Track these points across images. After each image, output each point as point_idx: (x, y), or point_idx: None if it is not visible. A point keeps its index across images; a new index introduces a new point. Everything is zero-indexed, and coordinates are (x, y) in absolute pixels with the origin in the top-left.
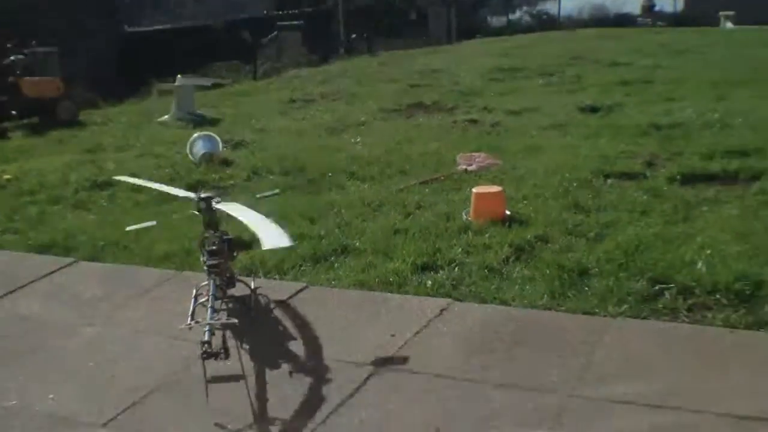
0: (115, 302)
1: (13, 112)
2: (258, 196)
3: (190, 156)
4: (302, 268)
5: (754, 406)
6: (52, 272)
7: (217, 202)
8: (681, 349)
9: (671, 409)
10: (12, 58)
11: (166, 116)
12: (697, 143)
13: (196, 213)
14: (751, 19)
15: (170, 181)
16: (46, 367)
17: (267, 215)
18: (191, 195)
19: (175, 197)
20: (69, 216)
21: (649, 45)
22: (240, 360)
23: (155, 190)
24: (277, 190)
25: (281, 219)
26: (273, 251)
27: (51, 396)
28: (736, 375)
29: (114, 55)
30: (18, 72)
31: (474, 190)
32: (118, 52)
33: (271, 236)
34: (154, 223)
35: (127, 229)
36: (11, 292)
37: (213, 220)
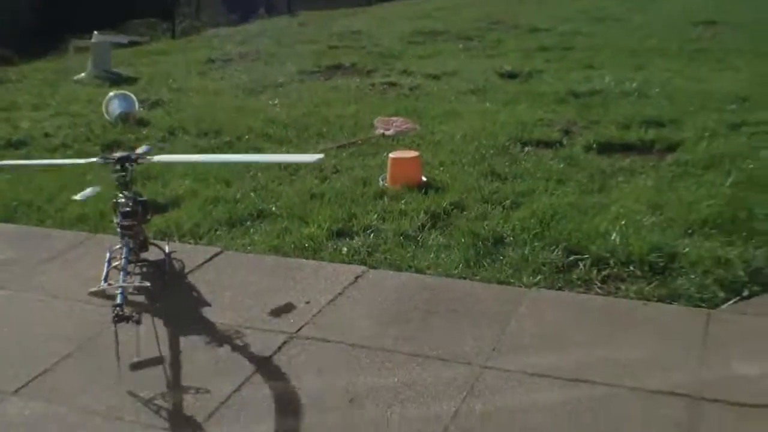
0: (28, 265)
1: None
2: (77, 197)
3: (105, 115)
4: (217, 233)
5: (666, 380)
6: None
7: (146, 157)
8: (594, 321)
9: (584, 382)
10: None
11: (82, 74)
12: (614, 112)
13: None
14: None
15: (86, 141)
16: None
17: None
18: (84, 160)
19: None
20: None
21: (569, 11)
22: (153, 326)
23: (80, 146)
24: (96, 188)
25: (197, 181)
26: (190, 215)
27: None
28: (648, 348)
29: (30, 11)
30: None
31: (390, 155)
32: (35, 8)
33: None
34: (98, 189)
35: (74, 198)
36: None
37: (127, 181)
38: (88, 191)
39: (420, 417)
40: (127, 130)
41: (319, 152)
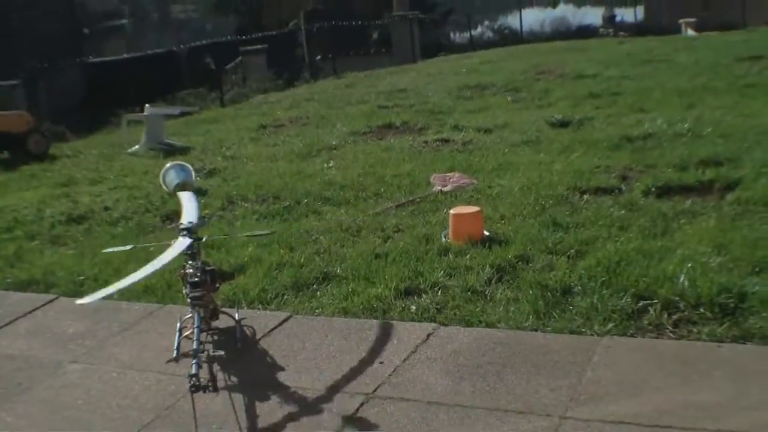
0: (99, 338)
1: None
2: (107, 251)
3: (163, 186)
4: (285, 297)
5: (747, 421)
6: (34, 309)
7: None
8: (670, 365)
9: (665, 428)
10: None
11: (136, 146)
12: (669, 154)
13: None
14: (712, 26)
15: (145, 213)
16: (34, 407)
17: None
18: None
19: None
20: (46, 252)
21: (614, 55)
22: (229, 393)
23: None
24: (130, 246)
25: (259, 247)
26: (256, 281)
27: None
28: (725, 390)
29: (79, 87)
30: None
31: (451, 211)
32: (84, 84)
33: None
34: (132, 246)
35: (105, 251)
36: None
37: (194, 251)
38: (121, 248)
39: None
40: None
41: (377, 212)
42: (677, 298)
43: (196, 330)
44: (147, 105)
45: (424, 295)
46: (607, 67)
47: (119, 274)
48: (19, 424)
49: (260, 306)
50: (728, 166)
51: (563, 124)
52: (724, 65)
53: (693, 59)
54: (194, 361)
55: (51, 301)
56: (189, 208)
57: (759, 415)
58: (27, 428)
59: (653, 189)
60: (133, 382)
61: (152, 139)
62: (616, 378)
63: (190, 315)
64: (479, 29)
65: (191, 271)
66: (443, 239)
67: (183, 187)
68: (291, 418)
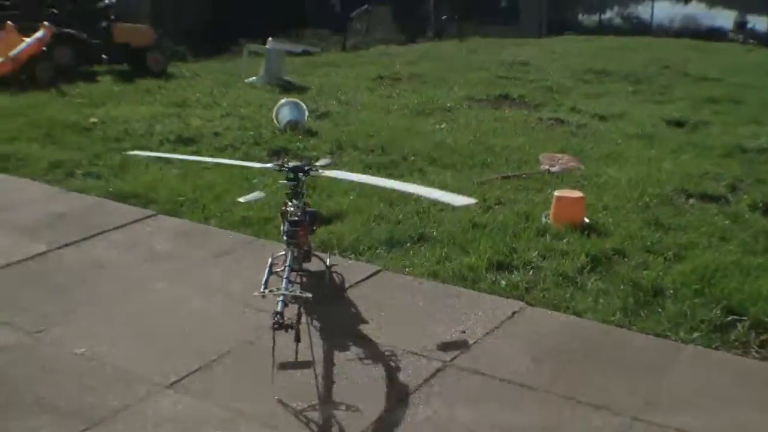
0: (191, 261)
1: (104, 57)
2: (242, 199)
3: (275, 121)
4: (377, 251)
5: None
6: (131, 222)
7: (319, 169)
8: (751, 384)
9: None
10: (105, 1)
11: (254, 78)
12: None
13: (283, 182)
14: None
15: (254, 144)
16: (117, 319)
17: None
18: (260, 165)
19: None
20: (152, 167)
21: (741, 63)
22: (309, 337)
23: (247, 148)
24: (262, 194)
25: (361, 197)
26: (352, 230)
27: (121, 349)
28: None
29: (206, 10)
30: (111, 17)
31: (556, 193)
32: (211, 7)
33: (453, 197)
34: (263, 195)
35: (239, 200)
36: (89, 237)
37: (298, 190)
38: (255, 195)
39: None
40: (295, 139)
41: (482, 182)
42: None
43: (287, 268)
44: (270, 38)
45: (515, 272)
46: (732, 73)
47: (219, 200)
48: (99, 333)
49: (352, 255)
50: None
51: (679, 124)
52: None
53: None
54: (281, 299)
55: (149, 216)
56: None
57: None
58: (106, 340)
59: (761, 204)
60: (216, 310)
61: (271, 73)
62: (694, 388)
63: (283, 252)
64: (608, 14)
65: (292, 209)
66: (543, 220)
67: (295, 124)
68: (366, 372)
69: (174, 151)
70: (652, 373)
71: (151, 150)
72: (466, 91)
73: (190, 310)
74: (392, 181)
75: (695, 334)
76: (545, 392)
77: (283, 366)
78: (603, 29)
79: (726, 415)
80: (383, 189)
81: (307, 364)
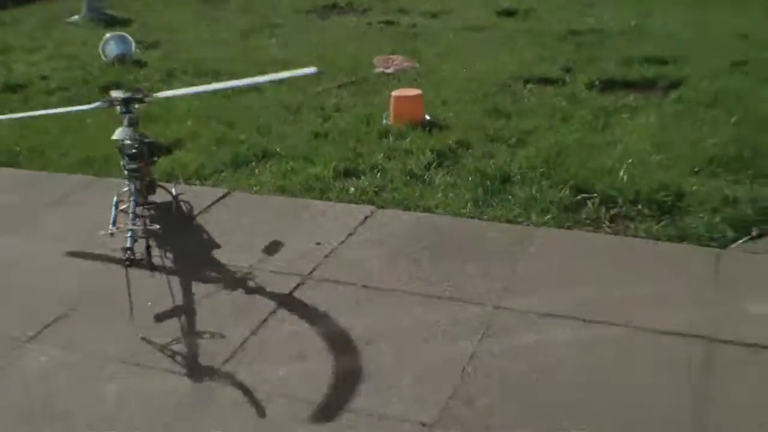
0: (33, 209)
1: None
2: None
3: (102, 57)
4: (223, 174)
5: (678, 320)
6: None
7: (146, 98)
8: (605, 260)
9: (597, 323)
10: None
11: (76, 16)
12: (614, 50)
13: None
14: None
15: (84, 84)
16: None
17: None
18: (89, 106)
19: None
20: None
21: None
22: (164, 268)
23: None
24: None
25: (199, 122)
26: (195, 156)
27: None
28: (660, 288)
29: None
30: None
31: (393, 93)
32: None
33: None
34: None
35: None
36: None
37: (133, 122)
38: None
39: (437, 358)
40: (124, 72)
41: (318, 91)
42: (616, 194)
43: (132, 203)
44: None
45: (363, 176)
46: None
47: (57, 146)
48: None
49: (198, 182)
50: (672, 65)
51: (509, 14)
52: None
53: None
54: (129, 235)
55: None
56: None
57: (691, 315)
58: None
59: (596, 82)
60: (66, 256)
61: (93, 10)
62: (551, 270)
63: (127, 188)
64: None
65: (129, 142)
66: (384, 121)
67: (123, 58)
68: (226, 297)
69: (1, 100)
70: (507, 260)
71: None
72: (292, 5)
73: (40, 261)
74: (232, 81)
75: (547, 217)
76: (405, 293)
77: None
78: None
79: (584, 293)
80: (221, 109)
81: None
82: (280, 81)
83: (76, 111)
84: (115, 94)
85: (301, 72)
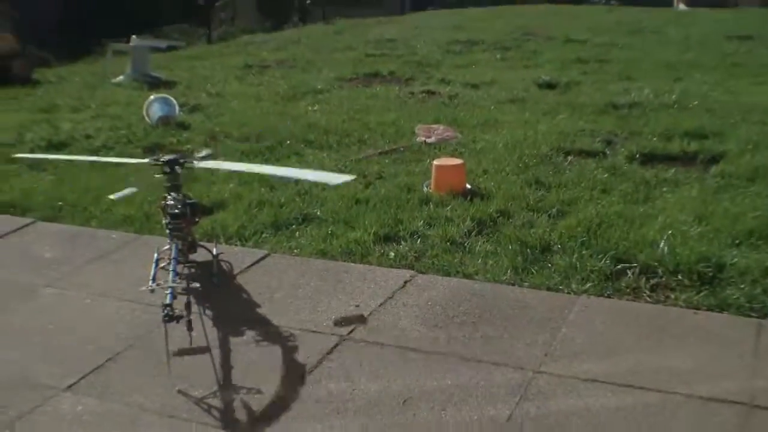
0: (75, 265)
1: None
2: (113, 197)
3: (146, 118)
4: (263, 236)
5: (718, 388)
6: (10, 232)
7: (181, 165)
8: (645, 329)
9: (637, 389)
10: None
11: (120, 77)
12: (655, 124)
13: (158, 176)
14: (703, 2)
15: (127, 143)
16: (5, 329)
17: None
18: (135, 160)
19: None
20: (26, 176)
21: (604, 23)
22: (203, 326)
23: (121, 147)
24: (133, 189)
25: (241, 184)
26: (236, 217)
27: (11, 359)
28: (700, 356)
29: (56, 13)
30: None
31: (435, 162)
32: (62, 10)
33: (327, 176)
34: (135, 189)
35: (111, 197)
36: None
37: (176, 183)
38: (126, 191)
39: (474, 420)
40: (167, 134)
41: (360, 159)
42: (656, 264)
43: (172, 261)
44: (133, 36)
45: (403, 242)
46: (596, 34)
47: (98, 202)
48: None
49: (238, 242)
50: (713, 139)
51: (550, 86)
52: (713, 42)
53: (683, 34)
54: (168, 291)
55: (27, 224)
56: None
57: (730, 383)
58: None
59: (637, 156)
60: (106, 310)
61: (137, 71)
62: (591, 337)
63: (168, 246)
64: None
65: (172, 202)
66: (425, 189)
67: (166, 120)
68: (264, 354)
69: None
70: (548, 326)
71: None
72: (336, 72)
73: (79, 313)
74: (269, 166)
75: (587, 285)
76: (443, 355)
77: (180, 353)
78: (463, 2)
79: (625, 360)
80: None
81: (203, 350)
82: (310, 177)
83: (124, 162)
84: (163, 157)
85: (337, 177)
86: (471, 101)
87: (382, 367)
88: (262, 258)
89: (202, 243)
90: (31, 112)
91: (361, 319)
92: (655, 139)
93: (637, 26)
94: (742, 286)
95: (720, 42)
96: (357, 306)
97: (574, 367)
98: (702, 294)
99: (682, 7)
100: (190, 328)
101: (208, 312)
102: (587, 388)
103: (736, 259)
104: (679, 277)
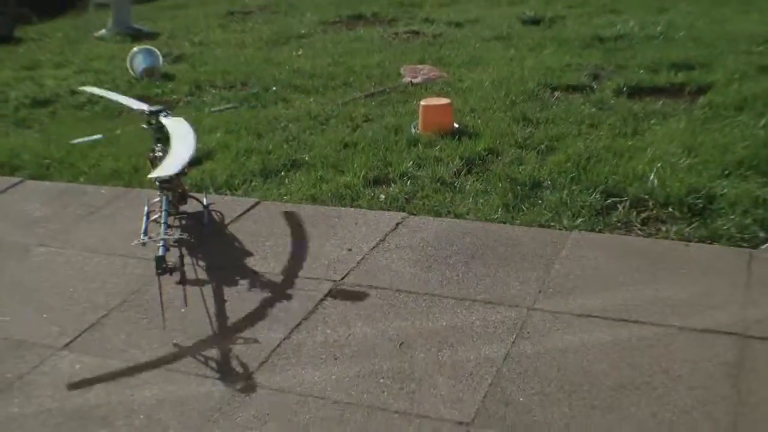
0: (66, 222)
1: None
2: (213, 110)
3: (130, 71)
4: (253, 184)
5: (713, 319)
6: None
7: (165, 116)
8: (638, 262)
9: (632, 322)
10: None
11: (103, 30)
12: (641, 56)
13: (145, 127)
14: None
15: None
16: (1, 289)
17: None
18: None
19: (125, 110)
20: (11, 134)
21: None
22: (196, 276)
23: (106, 101)
24: (232, 104)
25: (227, 133)
26: (224, 167)
27: (7, 318)
28: (693, 288)
29: None
30: None
31: (422, 102)
32: None
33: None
34: (100, 136)
35: (73, 142)
36: None
37: (164, 134)
38: (93, 137)
39: (471, 360)
40: (153, 85)
41: (346, 102)
42: (646, 197)
43: (163, 213)
44: None
45: (393, 184)
46: None
47: (86, 158)
48: None
49: (228, 192)
50: (700, 70)
51: (535, 22)
52: None
53: None
54: (161, 244)
55: (16, 183)
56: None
57: (724, 314)
58: None
59: (624, 89)
60: (99, 266)
61: (120, 24)
62: (583, 272)
63: (158, 199)
64: None
65: (160, 154)
66: (413, 130)
67: (150, 71)
68: (258, 302)
69: (32, 114)
70: (540, 263)
71: (7, 116)
72: (319, 15)
73: (72, 271)
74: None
75: (578, 221)
76: (438, 297)
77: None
78: None
79: (619, 294)
80: (250, 120)
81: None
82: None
83: (129, 106)
84: (144, 106)
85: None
86: (456, 40)
87: (377, 311)
88: (253, 206)
89: (192, 194)
90: (14, 70)
91: (354, 263)
92: (641, 71)
93: None
94: (733, 216)
95: None
96: (349, 250)
97: (569, 303)
98: (693, 226)
99: None
100: (183, 280)
101: (201, 263)
102: (582, 323)
103: (726, 190)
104: (670, 209)
